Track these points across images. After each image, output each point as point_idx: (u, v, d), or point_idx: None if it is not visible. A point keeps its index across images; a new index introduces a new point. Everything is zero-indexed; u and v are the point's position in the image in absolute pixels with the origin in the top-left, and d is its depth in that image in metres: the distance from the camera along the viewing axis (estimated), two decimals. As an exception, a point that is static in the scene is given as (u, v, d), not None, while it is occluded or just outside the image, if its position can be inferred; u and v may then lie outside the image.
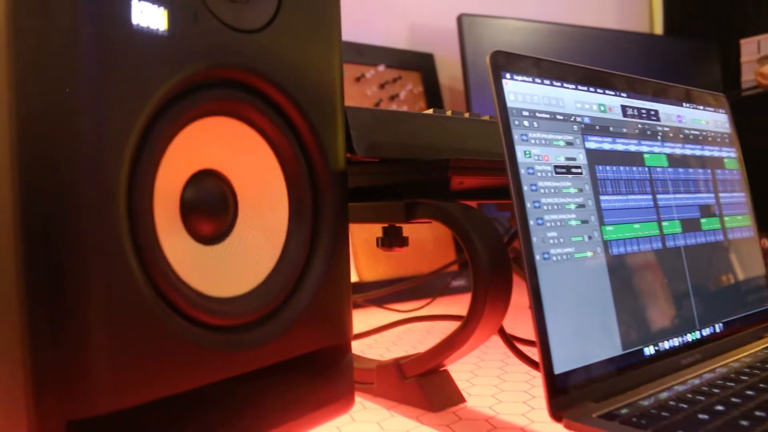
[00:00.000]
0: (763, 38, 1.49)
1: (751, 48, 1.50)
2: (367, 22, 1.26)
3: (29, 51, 0.32)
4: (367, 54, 1.21)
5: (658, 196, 0.59)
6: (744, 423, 0.42)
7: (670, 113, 0.65)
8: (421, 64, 1.29)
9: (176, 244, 0.38)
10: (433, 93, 1.28)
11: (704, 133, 0.69)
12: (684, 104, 0.67)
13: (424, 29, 1.34)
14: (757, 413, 0.44)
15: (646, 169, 0.59)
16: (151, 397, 0.35)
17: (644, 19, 1.83)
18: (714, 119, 0.72)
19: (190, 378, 0.37)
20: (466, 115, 0.64)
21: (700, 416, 0.43)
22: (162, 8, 0.36)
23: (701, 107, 0.70)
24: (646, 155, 0.59)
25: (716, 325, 0.62)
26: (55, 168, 0.32)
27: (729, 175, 0.71)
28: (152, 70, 0.35)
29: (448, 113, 0.63)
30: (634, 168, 0.57)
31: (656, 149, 0.61)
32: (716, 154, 0.69)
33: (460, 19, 1.18)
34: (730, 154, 0.72)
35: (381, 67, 1.21)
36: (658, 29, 1.81)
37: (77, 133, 0.32)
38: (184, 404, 0.39)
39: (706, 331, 0.60)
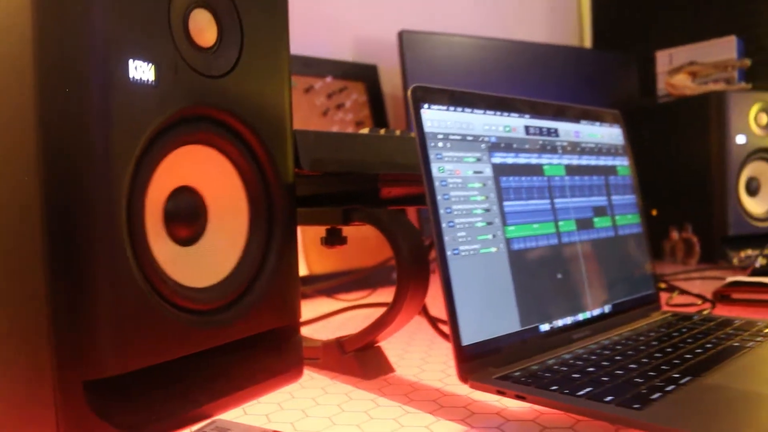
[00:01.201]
0: (675, 51, 1.64)
1: (665, 60, 1.65)
2: (315, 37, 1.37)
3: (53, 97, 0.42)
4: (316, 66, 1.32)
5: (556, 200, 0.72)
6: (605, 379, 0.54)
7: (568, 130, 0.77)
8: (365, 75, 1.40)
9: (161, 246, 0.49)
10: (376, 102, 1.39)
11: (599, 145, 0.81)
12: (581, 121, 0.80)
13: (368, 42, 1.45)
14: (617, 371, 0.57)
15: (545, 178, 0.71)
16: (145, 364, 0.46)
17: (575, 34, 1.97)
18: (609, 133, 0.84)
19: (174, 350, 0.48)
20: (398, 132, 0.76)
21: (574, 375, 0.56)
22: (151, 64, 0.46)
23: (597, 123, 0.83)
24: (545, 166, 0.71)
25: (605, 307, 0.75)
26: (73, 187, 0.42)
27: (621, 180, 0.83)
28: (144, 112, 0.46)
29: (382, 131, 0.74)
30: (534, 177, 0.69)
31: (555, 161, 0.73)
32: (609, 162, 0.82)
33: (400, 35, 1.30)
34: (622, 163, 0.85)
35: (328, 79, 1.32)
36: (588, 43, 1.96)
37: (91, 161, 0.43)
38: (170, 372, 0.49)
39: (596, 312, 0.73)
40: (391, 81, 1.43)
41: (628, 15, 1.91)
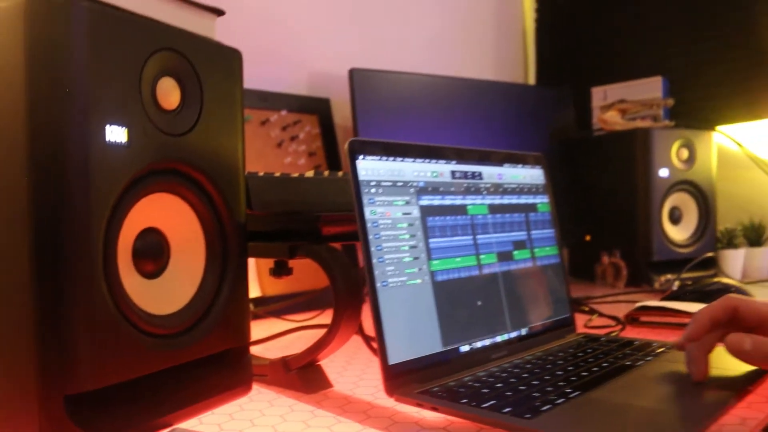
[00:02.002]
0: (609, 88, 1.77)
1: (600, 95, 1.78)
2: (271, 72, 1.46)
3: (42, 155, 0.51)
4: (271, 100, 1.41)
5: (478, 236, 0.82)
6: (508, 393, 0.65)
7: (492, 173, 0.88)
8: (318, 108, 1.50)
9: (130, 279, 0.58)
10: (328, 133, 1.49)
11: (521, 185, 0.92)
12: (504, 164, 0.91)
13: (321, 77, 1.54)
14: (521, 387, 0.67)
15: (469, 216, 0.81)
16: (117, 380, 0.54)
17: (520, 71, 2.09)
18: (531, 174, 0.95)
19: (141, 368, 0.57)
20: (340, 174, 0.86)
21: (483, 390, 0.66)
22: (124, 128, 0.55)
23: (520, 165, 0.93)
24: (468, 206, 0.82)
25: (522, 330, 0.85)
26: (58, 231, 0.51)
27: (540, 216, 0.94)
28: (118, 168, 0.55)
29: (326, 173, 0.84)
30: (458, 217, 0.80)
31: (478, 201, 0.83)
32: (530, 201, 0.93)
33: (351, 73, 1.39)
34: (542, 200, 0.95)
35: (283, 112, 1.41)
36: (532, 80, 2.09)
37: (72, 209, 0.51)
38: (138, 387, 0.58)
39: (513, 334, 0.83)
40: (342, 113, 1.53)
41: (568, 54, 2.04)
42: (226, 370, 0.69)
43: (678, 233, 1.60)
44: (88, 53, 0.52)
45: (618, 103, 1.65)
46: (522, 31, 2.14)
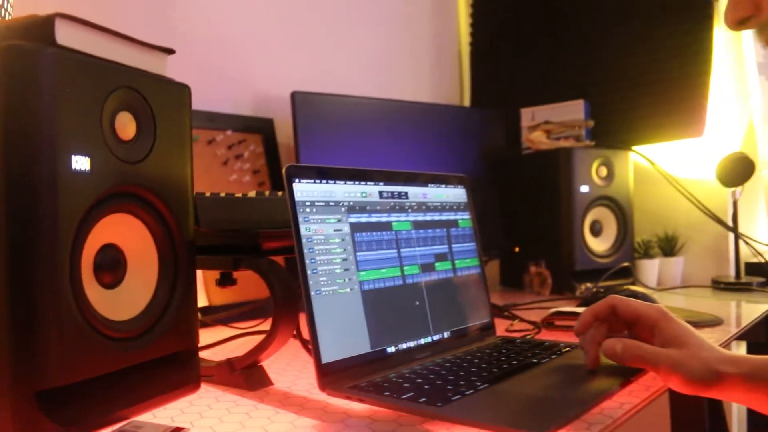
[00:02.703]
0: (537, 109, 1.89)
1: (528, 116, 1.91)
2: (218, 94, 1.54)
3: (17, 183, 0.59)
4: (218, 120, 1.49)
5: (402, 250, 0.91)
6: (426, 387, 0.74)
7: (417, 192, 0.97)
8: (262, 127, 1.58)
9: (92, 289, 0.66)
10: (271, 152, 1.57)
11: (444, 203, 1.02)
12: (429, 185, 1.01)
13: (265, 99, 1.63)
14: (437, 381, 0.76)
15: (393, 232, 0.91)
16: (81, 378, 0.62)
17: (456, 93, 2.22)
18: (454, 193, 1.05)
19: (102, 367, 0.65)
20: (279, 194, 0.95)
21: (404, 384, 0.75)
22: (87, 157, 0.63)
23: (444, 185, 1.04)
24: (393, 222, 0.91)
25: (445, 333, 0.95)
26: (31, 248, 0.59)
27: (461, 231, 1.04)
28: (82, 193, 0.63)
29: (267, 193, 0.93)
30: (384, 232, 0.89)
31: (402, 218, 0.93)
32: (452, 217, 1.03)
33: (293, 95, 1.48)
34: (463, 217, 1.05)
35: (229, 132, 1.49)
36: (467, 102, 2.21)
37: (43, 228, 0.59)
38: (99, 383, 0.66)
39: (436, 337, 0.93)
40: (285, 132, 1.62)
41: (500, 77, 2.17)
42: (177, 370, 0.77)
43: (598, 245, 1.73)
44: (55, 92, 0.61)
45: (543, 124, 1.78)
46: (458, 55, 2.26)
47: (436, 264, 0.97)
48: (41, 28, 0.63)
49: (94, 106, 0.65)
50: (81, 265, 0.64)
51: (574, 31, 1.97)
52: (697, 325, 1.17)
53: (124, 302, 0.70)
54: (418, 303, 0.91)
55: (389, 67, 1.99)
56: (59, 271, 0.60)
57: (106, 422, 0.66)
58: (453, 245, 1.01)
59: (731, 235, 1.74)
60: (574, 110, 1.81)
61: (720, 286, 1.68)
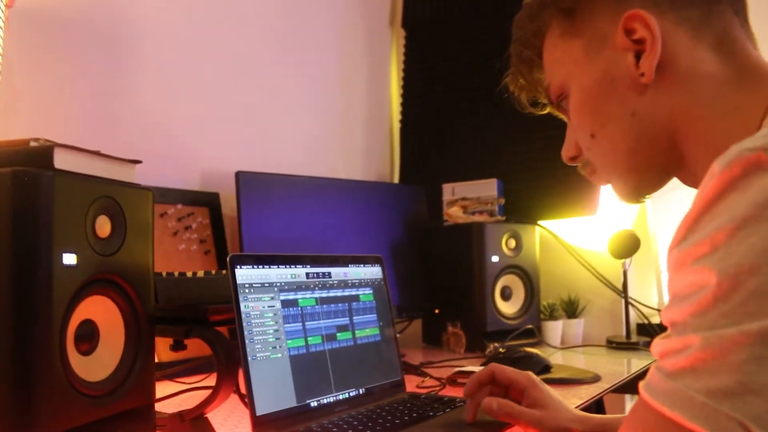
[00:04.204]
0: (456, 185, 2.12)
1: (449, 191, 2.14)
2: (168, 171, 1.72)
3: (21, 275, 0.77)
4: (169, 195, 1.67)
5: (307, 323, 1.09)
6: (338, 434, 0.93)
7: (339, 272, 1.17)
8: (209, 201, 1.77)
9: (73, 355, 0.84)
10: (217, 223, 1.76)
11: (362, 280, 1.22)
12: (350, 265, 1.21)
13: (211, 175, 1.82)
14: (349, 430, 0.96)
15: (299, 308, 1.09)
16: (65, 428, 0.80)
17: (387, 172, 2.45)
18: (371, 271, 1.25)
19: (80, 419, 0.82)
20: (223, 272, 1.13)
21: (321, 432, 0.94)
22: (73, 254, 0.82)
23: (362, 265, 1.24)
24: (300, 300, 1.10)
25: (360, 390, 1.14)
26: (30, 323, 0.77)
27: (363, 304, 1.22)
28: (70, 281, 0.81)
29: (213, 271, 1.12)
30: (299, 308, 1.09)
31: (308, 295, 1.12)
32: (354, 292, 1.22)
33: (237, 174, 1.68)
34: (365, 292, 1.24)
35: (179, 205, 1.68)
36: (396, 179, 2.45)
37: (40, 309, 0.77)
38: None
39: (352, 393, 1.12)
40: (230, 205, 1.80)
41: (426, 154, 2.41)
42: (137, 421, 0.94)
43: (508, 308, 1.96)
44: (52, 204, 0.79)
45: (461, 200, 2.01)
46: (389, 134, 2.50)
47: (338, 334, 1.14)
48: (43, 154, 0.82)
49: (80, 213, 0.84)
50: (66, 336, 0.82)
51: (492, 116, 2.22)
52: (580, 382, 1.39)
53: (96, 366, 0.88)
54: (324, 366, 1.10)
55: (325, 146, 2.21)
56: (52, 342, 0.78)
57: (82, 463, 0.83)
58: (354, 317, 1.19)
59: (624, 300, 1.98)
60: (488, 188, 2.05)
61: (613, 345, 1.92)
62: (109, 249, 0.88)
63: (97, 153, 0.89)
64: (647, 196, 0.82)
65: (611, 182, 0.83)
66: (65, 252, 0.81)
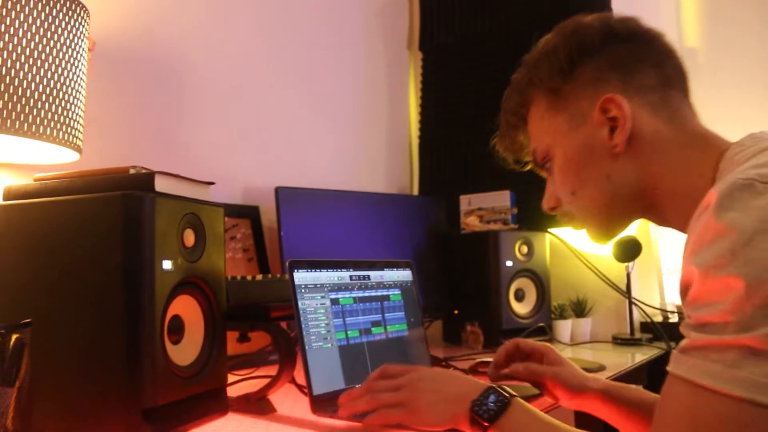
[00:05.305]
0: (473, 196, 2.31)
1: (465, 202, 2.32)
2: (215, 188, 1.91)
3: (130, 280, 0.96)
4: (215, 209, 1.86)
5: (347, 319, 1.28)
6: (382, 409, 1.11)
7: (376, 275, 1.36)
8: (250, 213, 1.96)
9: (168, 344, 1.03)
10: (258, 234, 1.95)
11: (395, 282, 1.41)
12: (385, 269, 1.40)
13: (251, 190, 2.01)
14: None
15: (340, 306, 1.28)
16: (164, 402, 0.98)
17: (407, 184, 2.65)
18: (403, 274, 1.44)
19: (174, 395, 1.01)
20: (279, 276, 1.33)
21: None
22: (170, 261, 1.01)
23: (395, 269, 1.43)
24: (341, 299, 1.29)
25: (396, 376, 1.32)
26: (140, 316, 0.96)
27: (392, 303, 1.41)
28: (168, 283, 1.00)
29: (269, 276, 1.31)
30: (340, 305, 1.27)
31: (347, 295, 1.31)
32: (388, 292, 1.41)
33: (277, 190, 1.87)
34: (395, 292, 1.42)
35: (225, 218, 1.87)
36: (416, 191, 2.64)
37: (146, 305, 0.96)
38: (175, 406, 1.02)
39: (389, 379, 1.30)
40: (268, 217, 2.00)
41: (444, 168, 2.60)
42: (213, 401, 1.13)
43: (522, 308, 2.14)
44: (153, 220, 0.98)
45: (477, 210, 2.19)
46: (409, 149, 2.70)
47: (373, 329, 1.33)
48: (145, 180, 1.01)
49: (174, 227, 1.03)
50: (164, 328, 1.01)
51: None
52: (587, 371, 1.56)
53: (183, 353, 1.07)
54: (363, 355, 1.28)
55: (351, 162, 2.41)
56: (155, 332, 0.97)
57: (178, 429, 1.02)
58: (386, 314, 1.37)
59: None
60: (502, 199, 2.23)
61: (618, 341, 2.10)
62: (194, 257, 1.08)
63: (183, 177, 1.09)
64: (614, 237, 1.01)
65: (586, 228, 1.01)
66: (164, 260, 1.00)
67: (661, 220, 0.95)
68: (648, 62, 0.94)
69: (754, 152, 0.78)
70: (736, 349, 0.63)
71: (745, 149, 0.81)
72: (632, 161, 0.92)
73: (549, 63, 0.98)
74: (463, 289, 2.20)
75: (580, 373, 1.13)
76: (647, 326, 2.15)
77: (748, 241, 0.63)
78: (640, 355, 1.88)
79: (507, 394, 0.90)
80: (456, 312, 2.20)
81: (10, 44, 1.07)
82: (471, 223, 2.18)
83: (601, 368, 1.60)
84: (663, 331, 2.05)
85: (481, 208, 2.21)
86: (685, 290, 0.71)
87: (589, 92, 0.94)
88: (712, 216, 0.67)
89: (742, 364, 0.62)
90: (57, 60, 1.14)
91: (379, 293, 1.37)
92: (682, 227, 0.90)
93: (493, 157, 1.16)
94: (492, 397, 0.91)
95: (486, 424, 0.88)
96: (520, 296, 2.15)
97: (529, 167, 1.11)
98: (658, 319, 2.20)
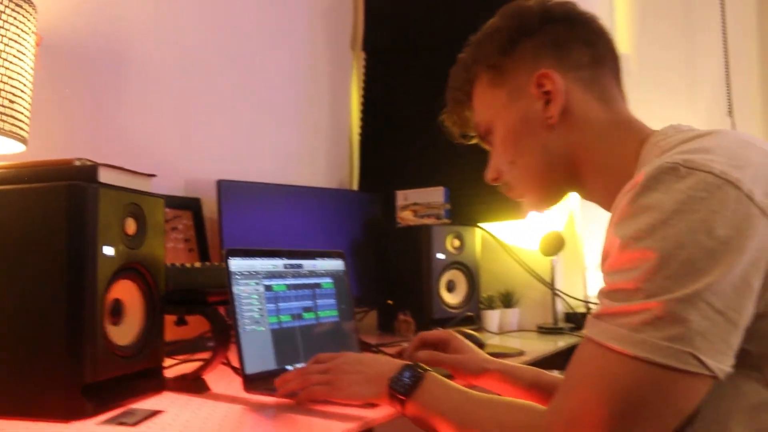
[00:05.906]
0: (408, 192, 2.41)
1: (402, 197, 2.42)
2: (158, 179, 1.97)
3: (72, 262, 1.03)
4: (158, 200, 1.92)
5: (280, 304, 1.36)
6: (310, 387, 1.20)
7: (309, 264, 1.45)
8: (192, 205, 2.03)
9: (108, 325, 1.10)
10: (199, 225, 2.02)
11: (327, 271, 1.49)
12: (317, 258, 1.48)
13: (193, 182, 2.07)
14: (317, 385, 1.23)
15: (274, 292, 1.37)
16: (104, 377, 1.06)
17: (347, 179, 2.74)
18: (335, 264, 1.53)
19: (114, 372, 1.08)
20: (217, 263, 1.40)
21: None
22: (111, 247, 1.08)
23: (328, 258, 1.51)
24: (274, 285, 1.38)
25: (326, 359, 1.41)
26: (82, 298, 1.03)
27: (325, 291, 1.49)
28: (109, 268, 1.07)
29: (207, 264, 1.38)
30: (273, 292, 1.36)
31: (281, 282, 1.39)
32: (320, 280, 1.49)
33: (219, 183, 1.94)
34: (326, 281, 1.51)
35: (167, 209, 1.93)
36: (355, 186, 2.73)
37: (87, 286, 1.03)
38: (113, 383, 1.09)
39: (319, 361, 1.39)
40: (210, 209, 2.06)
41: (382, 164, 2.70)
42: (151, 379, 1.21)
43: (452, 299, 2.25)
44: (97, 209, 1.05)
45: (412, 205, 2.30)
46: (349, 145, 2.79)
47: (303, 314, 1.41)
48: (89, 171, 1.08)
49: (115, 216, 1.10)
50: (105, 310, 1.08)
51: (440, 131, 2.50)
52: (506, 355, 1.68)
53: (122, 334, 1.14)
54: (294, 338, 1.37)
55: (292, 157, 2.49)
56: (95, 312, 1.05)
57: (115, 407, 1.09)
58: (317, 300, 1.46)
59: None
60: (436, 194, 2.34)
61: (542, 330, 2.23)
62: (134, 244, 1.15)
63: (126, 169, 1.16)
64: (552, 206, 1.10)
65: (525, 197, 1.10)
66: (105, 246, 1.07)
67: (586, 192, 1.04)
68: (581, 41, 1.01)
69: (681, 140, 0.86)
70: (641, 313, 0.71)
71: (668, 137, 0.89)
72: (565, 133, 0.99)
73: (491, 42, 1.06)
74: (397, 281, 2.30)
75: (481, 357, 1.23)
76: (570, 316, 2.29)
77: (666, 219, 0.71)
78: (562, 343, 2.01)
79: (421, 370, 1.00)
80: (390, 302, 2.29)
81: (-40, 40, 1.12)
82: (406, 217, 2.28)
83: (520, 353, 1.72)
84: (585, 321, 2.18)
85: (416, 203, 2.31)
86: (605, 258, 0.81)
87: (527, 68, 1.01)
88: (638, 193, 0.75)
89: (645, 329, 0.70)
90: (3, 54, 1.20)
91: (311, 281, 1.46)
92: (601, 202, 1.01)
93: (434, 147, 1.22)
94: (407, 374, 1.00)
95: (402, 398, 0.98)
96: (451, 287, 2.26)
97: (474, 140, 1.19)
98: (581, 309, 2.33)
